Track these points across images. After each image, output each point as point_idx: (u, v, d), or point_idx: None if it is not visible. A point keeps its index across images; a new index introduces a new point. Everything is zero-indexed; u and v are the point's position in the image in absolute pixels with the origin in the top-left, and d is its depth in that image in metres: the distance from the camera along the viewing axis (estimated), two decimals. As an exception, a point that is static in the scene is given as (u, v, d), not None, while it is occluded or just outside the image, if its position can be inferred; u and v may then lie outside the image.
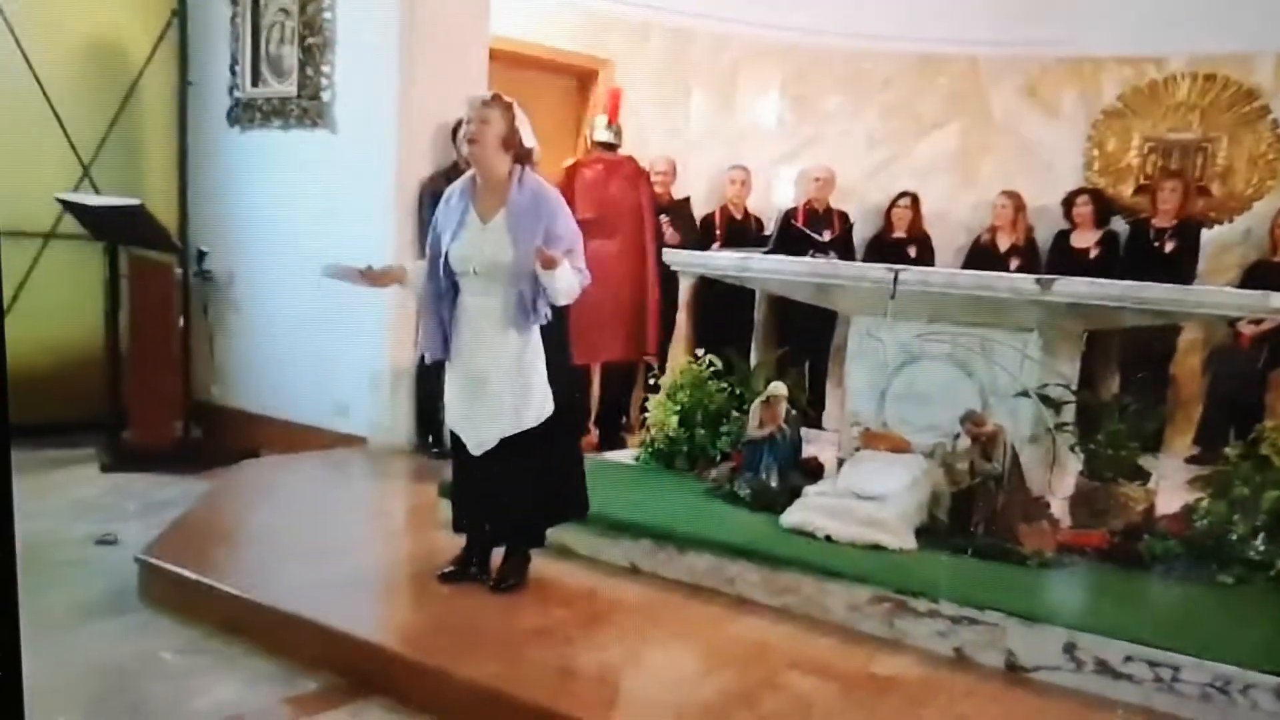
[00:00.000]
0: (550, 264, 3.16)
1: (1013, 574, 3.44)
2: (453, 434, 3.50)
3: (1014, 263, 6.15)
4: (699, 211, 6.53)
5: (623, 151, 5.88)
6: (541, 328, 3.31)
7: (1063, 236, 6.36)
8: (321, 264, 3.42)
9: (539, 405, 3.32)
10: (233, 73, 5.94)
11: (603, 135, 5.81)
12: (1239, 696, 2.73)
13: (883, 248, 6.54)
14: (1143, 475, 3.96)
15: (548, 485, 3.46)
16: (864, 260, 6.32)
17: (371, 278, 3.40)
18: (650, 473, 4.69)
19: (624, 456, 5.02)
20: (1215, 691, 2.76)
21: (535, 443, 3.34)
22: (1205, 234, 6.13)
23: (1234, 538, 3.51)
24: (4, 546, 1.03)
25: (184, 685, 2.95)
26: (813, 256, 5.33)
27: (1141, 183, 6.46)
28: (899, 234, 6.60)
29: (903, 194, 6.64)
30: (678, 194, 6.42)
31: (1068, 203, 6.38)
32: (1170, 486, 4.07)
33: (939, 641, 3.15)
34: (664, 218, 6.04)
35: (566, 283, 3.28)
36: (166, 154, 6.15)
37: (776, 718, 2.67)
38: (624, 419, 6.12)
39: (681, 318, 6.60)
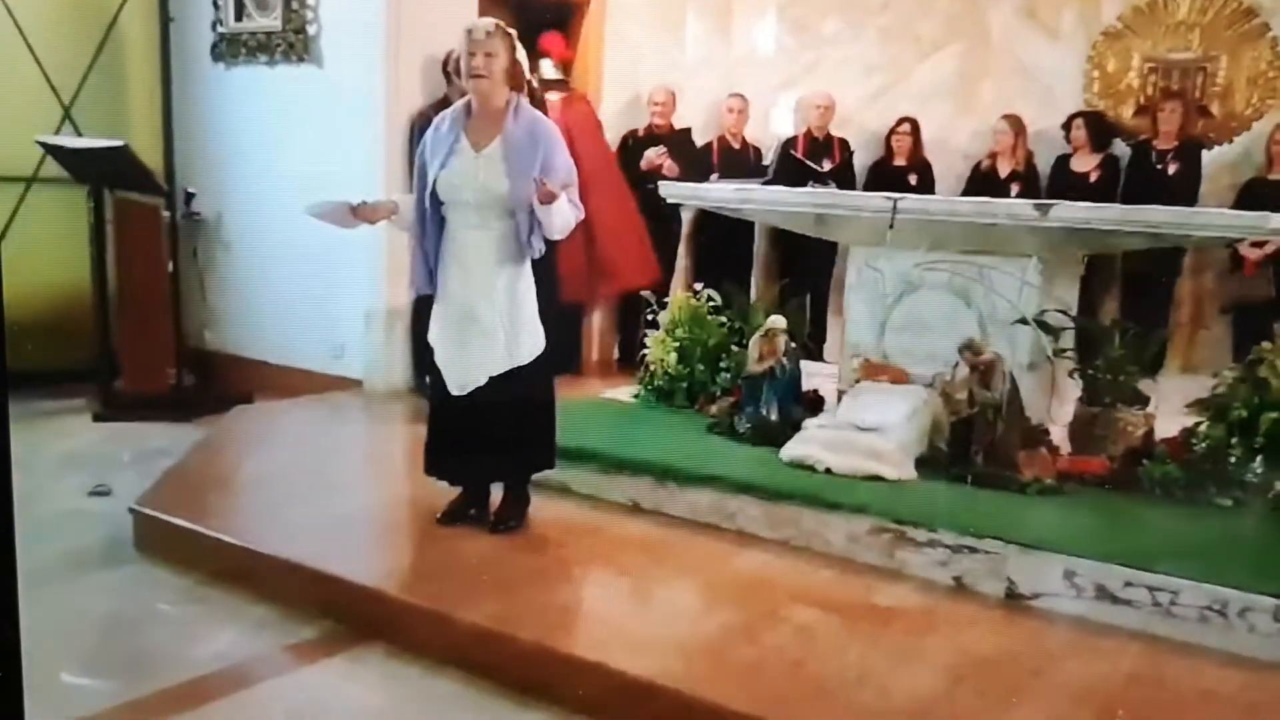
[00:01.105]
0: (550, 198, 3.11)
1: (1012, 502, 3.45)
2: (432, 372, 3.42)
3: (1014, 189, 6.05)
4: (696, 142, 6.41)
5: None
6: (533, 262, 3.25)
7: (1063, 161, 6.26)
8: (308, 203, 3.34)
9: (531, 342, 3.29)
10: (215, 6, 5.80)
11: (551, 73, 5.79)
12: (1236, 619, 2.75)
13: (883, 175, 6.44)
14: (1142, 400, 3.95)
15: (519, 431, 3.38)
16: (865, 188, 6.21)
17: (363, 214, 3.33)
18: (650, 410, 4.68)
19: (623, 394, 5.00)
20: (1213, 614, 2.78)
21: (520, 382, 3.29)
22: (1205, 155, 6.03)
23: (1232, 461, 3.51)
24: (4, 543, 1.00)
25: (183, 635, 2.94)
26: (812, 187, 5.24)
27: (1141, 104, 6.35)
28: (899, 161, 6.48)
29: (902, 120, 6.52)
30: (677, 125, 6.30)
31: (1068, 126, 6.28)
32: (1170, 410, 4.06)
33: (939, 571, 3.16)
34: (663, 149, 5.94)
35: (563, 217, 3.22)
36: (149, 93, 6.01)
37: (779, 650, 2.68)
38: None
39: (681, 251, 6.51)
